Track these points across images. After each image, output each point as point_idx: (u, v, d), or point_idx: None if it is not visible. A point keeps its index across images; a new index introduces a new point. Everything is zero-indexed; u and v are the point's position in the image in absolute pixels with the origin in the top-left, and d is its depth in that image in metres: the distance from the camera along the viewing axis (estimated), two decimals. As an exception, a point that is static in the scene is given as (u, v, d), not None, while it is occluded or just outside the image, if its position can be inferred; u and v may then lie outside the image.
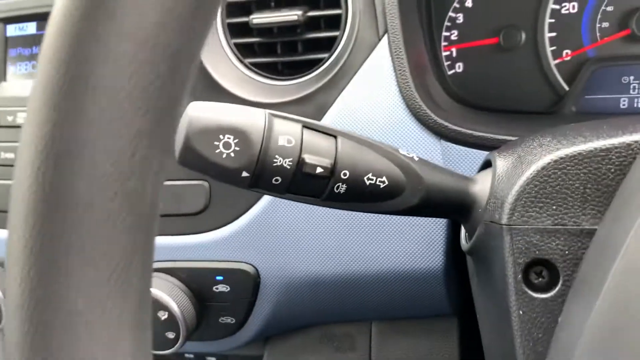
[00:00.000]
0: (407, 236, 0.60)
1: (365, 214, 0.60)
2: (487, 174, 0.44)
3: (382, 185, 0.41)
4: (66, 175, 0.23)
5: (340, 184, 0.40)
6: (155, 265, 0.67)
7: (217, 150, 0.38)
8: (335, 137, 0.41)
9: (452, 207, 0.43)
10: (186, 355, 0.84)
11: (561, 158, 0.38)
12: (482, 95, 0.73)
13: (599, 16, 0.69)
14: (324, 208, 0.61)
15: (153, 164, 0.25)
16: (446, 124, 0.60)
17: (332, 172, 0.40)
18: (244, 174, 0.39)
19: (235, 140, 0.38)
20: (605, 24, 0.69)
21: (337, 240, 0.62)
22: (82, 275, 0.23)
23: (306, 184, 0.40)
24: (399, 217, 0.60)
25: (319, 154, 0.39)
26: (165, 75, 0.24)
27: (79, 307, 0.23)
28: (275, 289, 0.66)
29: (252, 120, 0.39)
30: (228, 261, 0.66)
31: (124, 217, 0.24)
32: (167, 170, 0.26)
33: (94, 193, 0.23)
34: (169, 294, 0.64)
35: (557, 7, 0.70)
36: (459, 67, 0.74)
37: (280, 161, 0.39)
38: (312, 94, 0.63)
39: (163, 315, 0.64)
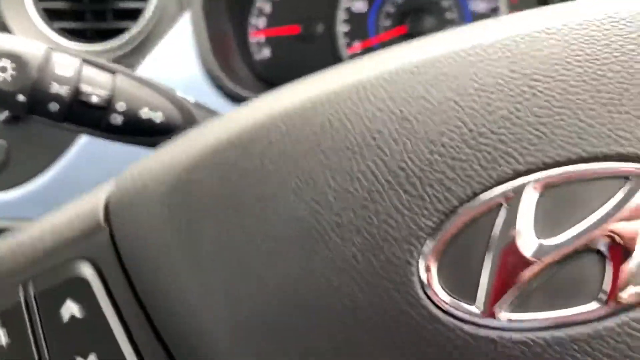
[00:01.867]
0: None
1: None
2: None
3: (157, 120, 0.45)
4: None
5: (116, 114, 0.44)
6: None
7: None
8: (114, 72, 0.45)
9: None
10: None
11: None
12: (285, 80, 0.80)
13: (382, 14, 0.80)
14: (124, 164, 0.64)
15: None
16: (242, 91, 0.66)
17: (108, 102, 0.44)
18: (20, 97, 0.41)
19: (12, 65, 0.41)
20: (388, 22, 0.80)
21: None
22: None
23: (83, 113, 0.43)
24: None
25: (96, 85, 0.43)
26: None
27: None
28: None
29: (31, 48, 0.42)
30: (28, 220, 0.66)
31: None
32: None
33: None
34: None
35: (349, 4, 0.80)
36: (266, 52, 0.81)
37: (56, 88, 0.42)
38: (116, 59, 0.66)
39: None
